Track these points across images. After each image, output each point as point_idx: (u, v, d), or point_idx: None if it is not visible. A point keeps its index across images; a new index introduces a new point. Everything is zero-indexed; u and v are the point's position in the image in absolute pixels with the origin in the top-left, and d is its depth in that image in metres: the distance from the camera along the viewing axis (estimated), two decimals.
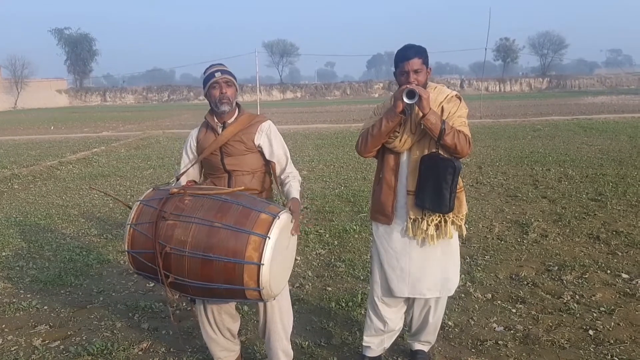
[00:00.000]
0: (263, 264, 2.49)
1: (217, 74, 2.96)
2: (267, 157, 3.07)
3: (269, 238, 2.51)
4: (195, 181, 3.03)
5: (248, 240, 2.51)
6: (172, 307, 4.26)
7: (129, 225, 2.70)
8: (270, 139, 3.07)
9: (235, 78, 3.01)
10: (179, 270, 2.59)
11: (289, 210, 2.76)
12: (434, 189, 2.81)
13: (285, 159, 3.10)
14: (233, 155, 3.00)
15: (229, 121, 3.02)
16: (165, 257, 2.58)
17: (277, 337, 3.07)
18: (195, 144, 3.11)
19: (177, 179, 3.07)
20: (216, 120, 3.04)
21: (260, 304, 3.02)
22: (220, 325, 3.09)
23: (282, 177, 3.10)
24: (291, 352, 3.17)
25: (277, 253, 2.56)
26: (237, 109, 3.06)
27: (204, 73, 3.02)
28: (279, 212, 2.64)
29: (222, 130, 3.01)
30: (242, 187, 2.89)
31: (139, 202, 2.74)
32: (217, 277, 2.54)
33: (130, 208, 2.81)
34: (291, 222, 2.75)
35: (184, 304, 4.28)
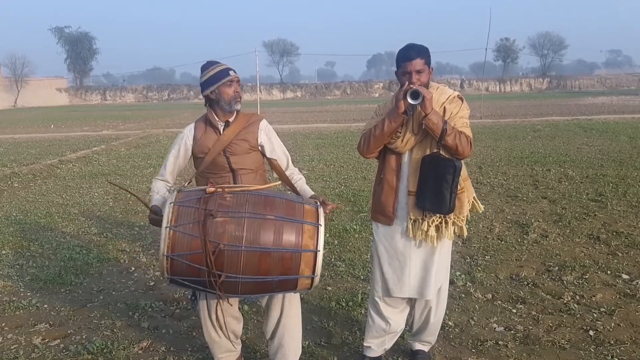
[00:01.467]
0: (319, 250, 2.58)
1: (232, 73, 2.96)
2: (268, 154, 3.11)
3: (321, 225, 2.61)
4: (212, 182, 2.98)
5: (302, 229, 2.58)
6: (173, 307, 4.26)
7: (167, 228, 2.56)
8: (270, 137, 3.12)
9: None
10: (232, 267, 2.54)
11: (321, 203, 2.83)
12: (435, 189, 2.80)
13: (285, 156, 3.16)
14: (237, 154, 3.01)
15: (230, 120, 3.03)
16: (217, 255, 2.52)
17: (292, 333, 3.04)
18: (192, 142, 3.07)
19: (189, 182, 3.06)
20: (217, 118, 3.02)
21: (277, 300, 3.00)
22: (224, 328, 3.07)
23: (287, 173, 3.14)
24: (300, 351, 3.15)
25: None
26: None
27: (209, 70, 2.98)
28: (316, 202, 2.76)
29: (224, 129, 3.00)
30: (279, 182, 3.04)
31: (172, 204, 2.63)
32: (275, 268, 2.56)
33: (147, 205, 2.80)
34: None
35: (184, 303, 4.28)
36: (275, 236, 2.55)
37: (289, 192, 3.23)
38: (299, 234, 2.57)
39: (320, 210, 2.68)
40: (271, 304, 3.03)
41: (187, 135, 3.10)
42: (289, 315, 3.03)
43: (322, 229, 2.60)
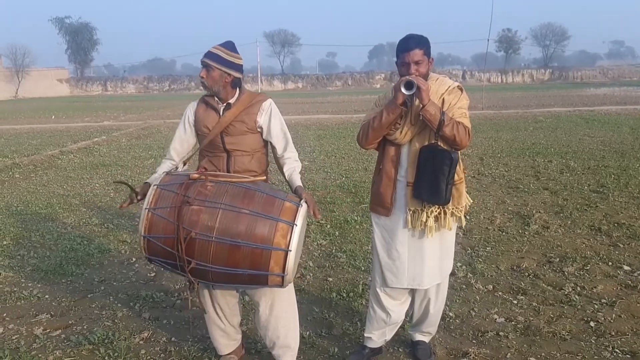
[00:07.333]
0: (290, 250, 2.56)
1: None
2: (264, 136, 3.03)
3: (296, 225, 2.59)
4: (205, 168, 2.95)
5: (276, 227, 2.56)
6: (174, 298, 4.26)
7: (146, 210, 2.62)
8: (270, 118, 3.01)
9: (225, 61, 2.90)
10: (203, 255, 2.58)
11: (305, 200, 2.77)
12: (431, 180, 2.80)
13: (284, 139, 3.05)
14: (233, 135, 2.95)
15: (231, 101, 2.97)
16: (189, 243, 2.56)
17: (285, 322, 3.01)
18: (193, 118, 3.04)
19: (185, 164, 3.07)
20: (216, 98, 2.98)
21: (265, 292, 2.97)
22: (228, 315, 3.08)
23: (281, 159, 3.05)
24: (297, 341, 3.13)
25: (299, 240, 2.64)
26: (238, 89, 3.00)
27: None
28: (300, 200, 2.73)
29: (225, 110, 2.95)
30: (264, 177, 2.97)
31: (155, 187, 2.68)
32: (243, 262, 2.56)
33: (133, 190, 2.80)
34: (307, 210, 2.77)
35: (185, 293, 4.28)
36: (247, 231, 2.55)
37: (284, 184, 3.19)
38: (272, 231, 2.55)
39: (301, 210, 2.64)
40: (260, 296, 3.00)
41: (190, 111, 3.08)
42: (280, 305, 3.00)
43: (297, 229, 2.57)
